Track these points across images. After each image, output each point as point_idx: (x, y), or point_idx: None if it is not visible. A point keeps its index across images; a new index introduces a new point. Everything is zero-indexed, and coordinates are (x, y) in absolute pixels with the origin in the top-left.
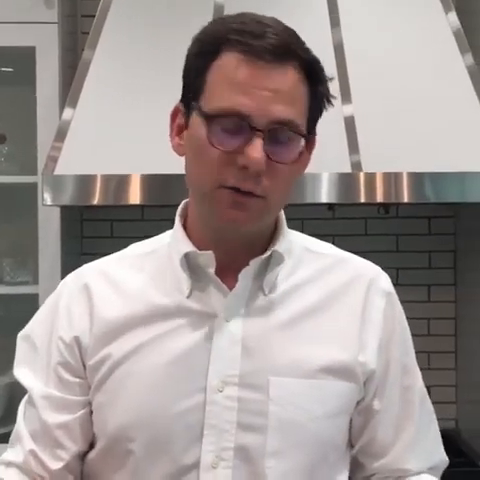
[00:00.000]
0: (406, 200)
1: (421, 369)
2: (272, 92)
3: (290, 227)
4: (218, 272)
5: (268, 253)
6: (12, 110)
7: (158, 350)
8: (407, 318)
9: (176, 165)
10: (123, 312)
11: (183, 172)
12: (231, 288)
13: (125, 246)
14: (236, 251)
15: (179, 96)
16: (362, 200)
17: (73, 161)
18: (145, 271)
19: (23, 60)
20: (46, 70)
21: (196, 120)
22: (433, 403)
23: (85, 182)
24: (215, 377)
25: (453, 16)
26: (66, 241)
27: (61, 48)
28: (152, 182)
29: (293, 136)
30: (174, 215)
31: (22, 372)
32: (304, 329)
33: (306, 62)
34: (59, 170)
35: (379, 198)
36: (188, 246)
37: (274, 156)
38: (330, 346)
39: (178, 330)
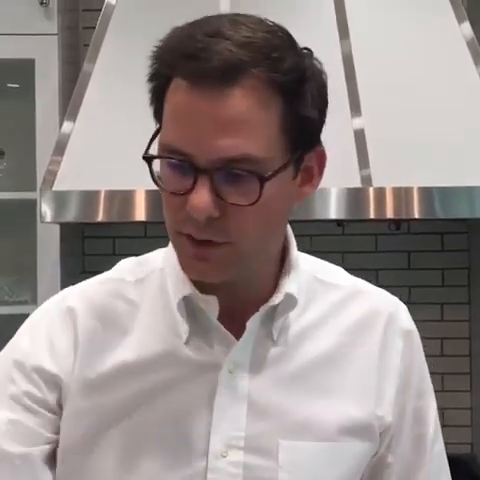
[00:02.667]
0: (417, 216)
1: (435, 391)
2: (215, 122)
3: (298, 244)
4: (222, 315)
5: (280, 297)
6: (10, 124)
7: (151, 407)
8: (420, 338)
9: None
10: (111, 358)
11: None
12: (234, 333)
13: None
14: (239, 292)
15: None
16: (372, 216)
17: (73, 176)
18: (139, 307)
19: (22, 73)
20: (46, 83)
21: None
22: (447, 427)
23: (88, 198)
24: (218, 440)
25: (467, 26)
26: (66, 259)
27: (61, 61)
28: (157, 198)
29: (246, 174)
30: None
31: None
32: (318, 381)
33: (269, 78)
34: (58, 185)
35: (389, 214)
36: (187, 287)
37: (229, 198)
38: (347, 401)
39: (174, 384)
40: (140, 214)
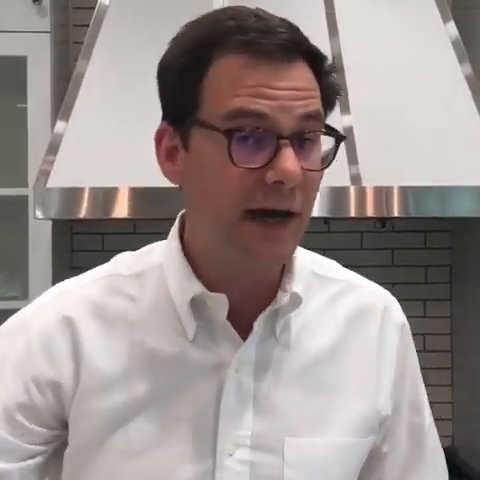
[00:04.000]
0: (396, 214)
1: None
2: (291, 90)
3: None
4: (228, 314)
5: (287, 297)
6: (2, 121)
7: (158, 408)
8: None
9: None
10: (117, 360)
11: (173, 185)
12: (239, 331)
13: None
14: (250, 289)
15: None
16: (353, 214)
17: (65, 174)
18: (139, 302)
19: (14, 70)
20: (38, 80)
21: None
22: None
23: (73, 195)
24: (225, 439)
25: (451, 26)
26: (56, 255)
27: (53, 58)
28: (141, 195)
29: (318, 137)
30: (167, 228)
31: None
32: (321, 378)
33: (314, 57)
34: (51, 183)
35: (370, 213)
36: (197, 286)
37: (306, 164)
38: (350, 397)
39: (181, 384)
40: (123, 211)
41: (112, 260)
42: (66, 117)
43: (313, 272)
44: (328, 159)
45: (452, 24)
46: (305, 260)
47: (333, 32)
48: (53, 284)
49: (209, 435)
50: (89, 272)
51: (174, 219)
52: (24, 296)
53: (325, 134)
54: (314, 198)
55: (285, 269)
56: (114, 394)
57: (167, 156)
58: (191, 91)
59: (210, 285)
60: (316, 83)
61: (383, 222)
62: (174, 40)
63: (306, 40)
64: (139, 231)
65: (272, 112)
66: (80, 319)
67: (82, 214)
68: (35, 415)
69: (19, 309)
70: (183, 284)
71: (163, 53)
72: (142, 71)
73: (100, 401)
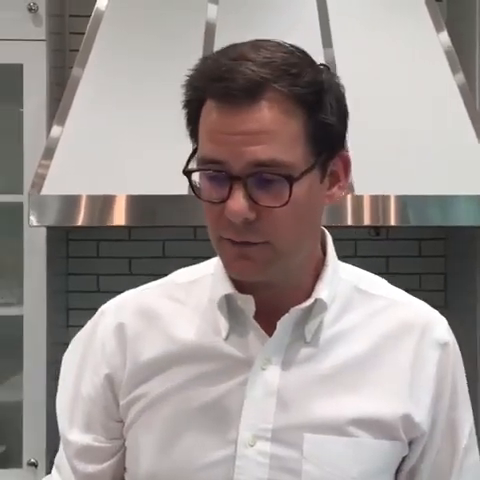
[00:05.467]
0: (393, 223)
1: None
2: (244, 135)
3: None
4: (260, 315)
5: (310, 301)
6: None
7: (190, 395)
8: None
9: (163, 186)
10: (159, 350)
11: (170, 193)
12: (270, 331)
13: (111, 266)
14: (276, 294)
15: (169, 116)
16: (349, 223)
17: (61, 181)
18: (186, 304)
19: (10, 77)
20: (33, 87)
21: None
22: None
23: (69, 203)
24: (247, 430)
25: (444, 36)
26: (52, 261)
27: (49, 65)
28: (138, 203)
29: (276, 178)
30: (161, 236)
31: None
32: (345, 381)
33: (289, 91)
34: (46, 190)
35: (366, 221)
36: (228, 287)
37: (262, 201)
38: (372, 399)
39: (212, 375)
40: (120, 219)
41: (173, 273)
42: (62, 122)
43: (356, 287)
44: (284, 199)
45: (445, 34)
46: (347, 274)
47: (327, 43)
48: (48, 290)
49: (233, 426)
50: (152, 283)
51: (170, 227)
52: (19, 302)
53: (279, 176)
54: (294, 228)
55: (319, 277)
56: (151, 381)
57: None
58: (193, 128)
59: (241, 288)
60: (292, 121)
61: (377, 230)
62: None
63: (282, 76)
64: (134, 238)
65: (225, 158)
66: (130, 324)
67: (79, 222)
68: (105, 408)
69: (14, 316)
70: (218, 285)
71: (160, 60)
72: (138, 78)
73: (141, 387)
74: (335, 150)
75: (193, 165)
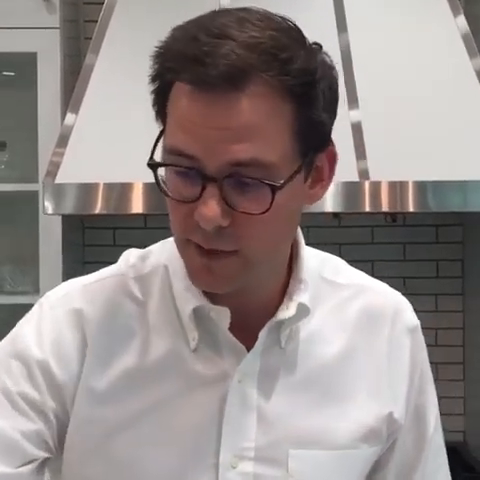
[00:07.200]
0: (411, 209)
1: None
2: (222, 130)
3: None
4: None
5: (293, 308)
6: (13, 116)
7: (158, 418)
8: None
9: None
10: (118, 365)
11: None
12: (242, 341)
13: None
14: (248, 300)
15: None
16: (367, 209)
17: (75, 169)
18: (143, 304)
19: (24, 65)
20: (48, 76)
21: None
22: (441, 415)
23: (86, 191)
24: (228, 451)
25: (462, 20)
26: (67, 249)
27: (63, 53)
28: (155, 190)
29: (257, 183)
30: None
31: None
32: (327, 388)
33: (278, 82)
34: (60, 178)
35: (385, 207)
36: (198, 298)
37: (239, 206)
38: (357, 407)
39: (183, 394)
40: (137, 206)
41: (119, 260)
42: (76, 110)
43: (321, 277)
44: (265, 205)
45: (462, 18)
46: (313, 264)
47: (342, 27)
48: (64, 278)
49: (212, 447)
50: (95, 273)
51: None
52: (35, 291)
53: (261, 182)
54: (270, 234)
55: (292, 274)
56: (112, 402)
57: None
58: (160, 106)
59: (212, 296)
60: (279, 113)
61: (394, 217)
62: (160, 43)
63: (270, 62)
64: (150, 226)
65: (198, 154)
66: (88, 316)
67: (96, 210)
68: (41, 410)
69: (30, 304)
70: (186, 294)
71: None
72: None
73: (96, 409)
74: (324, 146)
75: (159, 153)
